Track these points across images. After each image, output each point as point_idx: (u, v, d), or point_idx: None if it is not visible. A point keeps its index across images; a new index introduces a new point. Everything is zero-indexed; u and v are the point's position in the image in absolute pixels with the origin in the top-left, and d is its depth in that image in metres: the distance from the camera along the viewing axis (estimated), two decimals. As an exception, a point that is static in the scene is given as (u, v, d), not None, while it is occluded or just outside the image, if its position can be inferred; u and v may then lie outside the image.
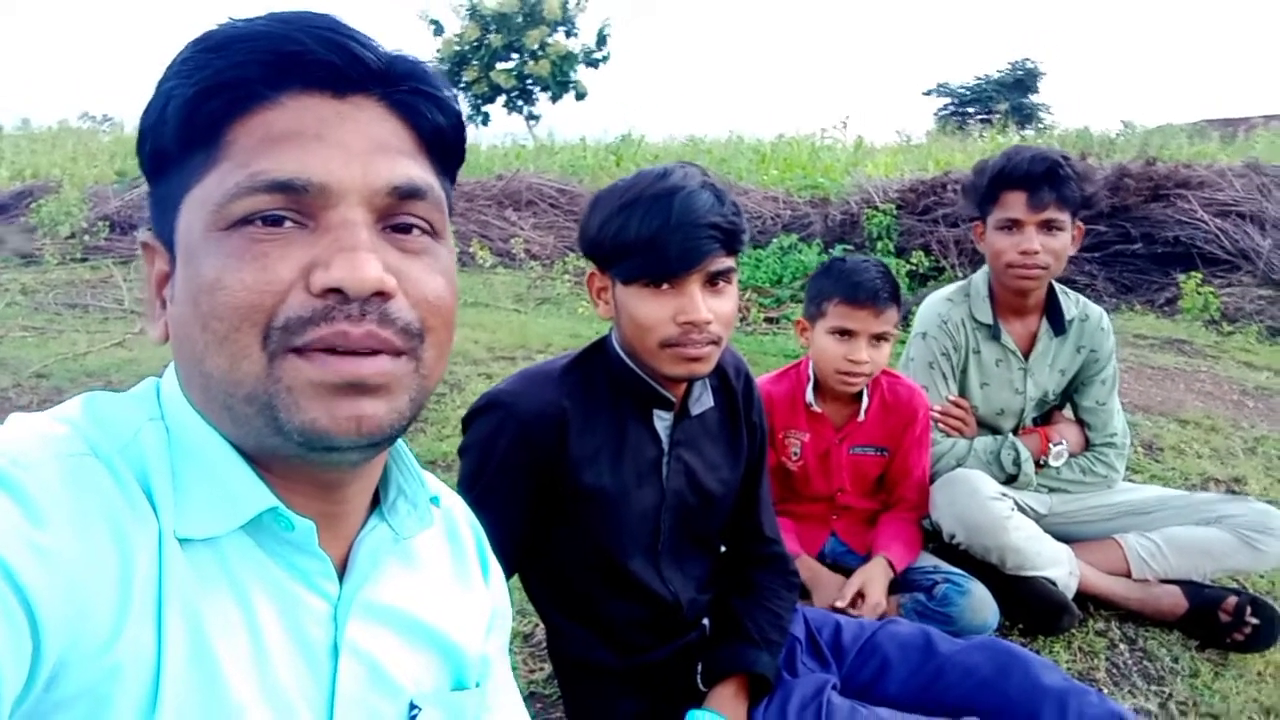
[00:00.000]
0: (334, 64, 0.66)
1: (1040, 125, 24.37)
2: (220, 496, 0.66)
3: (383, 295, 0.64)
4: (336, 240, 0.64)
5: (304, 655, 0.70)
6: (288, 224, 0.64)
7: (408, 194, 0.68)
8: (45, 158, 12.83)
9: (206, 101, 0.64)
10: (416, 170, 0.69)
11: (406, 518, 0.80)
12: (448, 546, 0.90)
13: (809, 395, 2.27)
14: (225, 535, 0.66)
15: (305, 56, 0.65)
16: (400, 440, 0.78)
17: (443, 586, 0.86)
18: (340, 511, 0.75)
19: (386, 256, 0.66)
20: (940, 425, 2.47)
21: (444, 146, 0.74)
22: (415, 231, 0.70)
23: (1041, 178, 2.32)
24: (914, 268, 7.17)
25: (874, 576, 2.12)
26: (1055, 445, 2.52)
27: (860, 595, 2.08)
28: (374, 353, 0.65)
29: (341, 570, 0.75)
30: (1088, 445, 2.58)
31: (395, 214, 0.68)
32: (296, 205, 0.64)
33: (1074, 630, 2.29)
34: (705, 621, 1.65)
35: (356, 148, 0.66)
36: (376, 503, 0.80)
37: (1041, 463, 2.51)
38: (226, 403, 0.65)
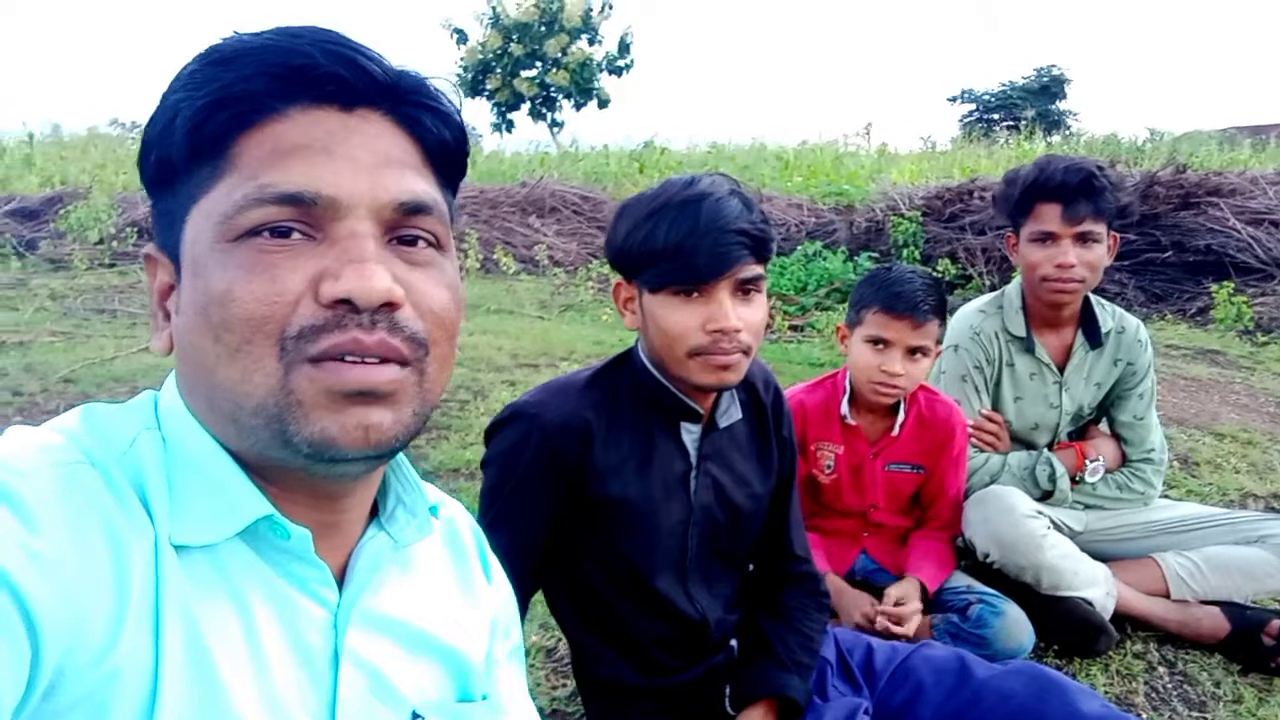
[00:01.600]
0: (341, 77, 0.67)
1: (1067, 132, 24.19)
2: (216, 504, 0.66)
3: (391, 306, 0.65)
4: (345, 252, 0.65)
5: (304, 663, 0.69)
6: (295, 235, 0.65)
7: (414, 209, 0.69)
8: (75, 164, 13.02)
9: (214, 114, 0.65)
10: (422, 185, 0.70)
11: (405, 527, 0.80)
12: (449, 555, 0.90)
13: (844, 407, 2.23)
14: (222, 543, 0.66)
15: (313, 70, 0.66)
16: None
17: (445, 596, 0.86)
18: (339, 521, 0.75)
19: (394, 268, 0.67)
20: (974, 440, 2.41)
21: (448, 160, 0.75)
22: (421, 244, 0.70)
23: (1077, 189, 2.26)
24: (940, 275, 7.09)
25: (909, 594, 2.08)
26: (1091, 461, 2.46)
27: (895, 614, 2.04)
28: (383, 362, 0.65)
29: (340, 580, 0.75)
30: (1124, 461, 2.51)
31: (402, 227, 0.69)
32: (305, 217, 0.65)
33: (1111, 653, 2.23)
34: (733, 642, 1.61)
35: (364, 161, 0.67)
36: (375, 513, 0.80)
37: (1077, 479, 2.45)
38: (234, 414, 0.65)
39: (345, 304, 0.63)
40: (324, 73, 0.66)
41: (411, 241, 0.69)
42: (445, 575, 0.88)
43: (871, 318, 2.10)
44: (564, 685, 2.05)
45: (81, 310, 6.59)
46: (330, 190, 0.64)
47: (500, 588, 0.96)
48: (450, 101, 0.74)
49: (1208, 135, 15.68)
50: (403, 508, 0.80)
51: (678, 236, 1.33)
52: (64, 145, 16.02)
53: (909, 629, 2.00)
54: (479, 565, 0.94)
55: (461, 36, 23.01)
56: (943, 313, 2.10)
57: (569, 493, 1.43)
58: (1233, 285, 6.47)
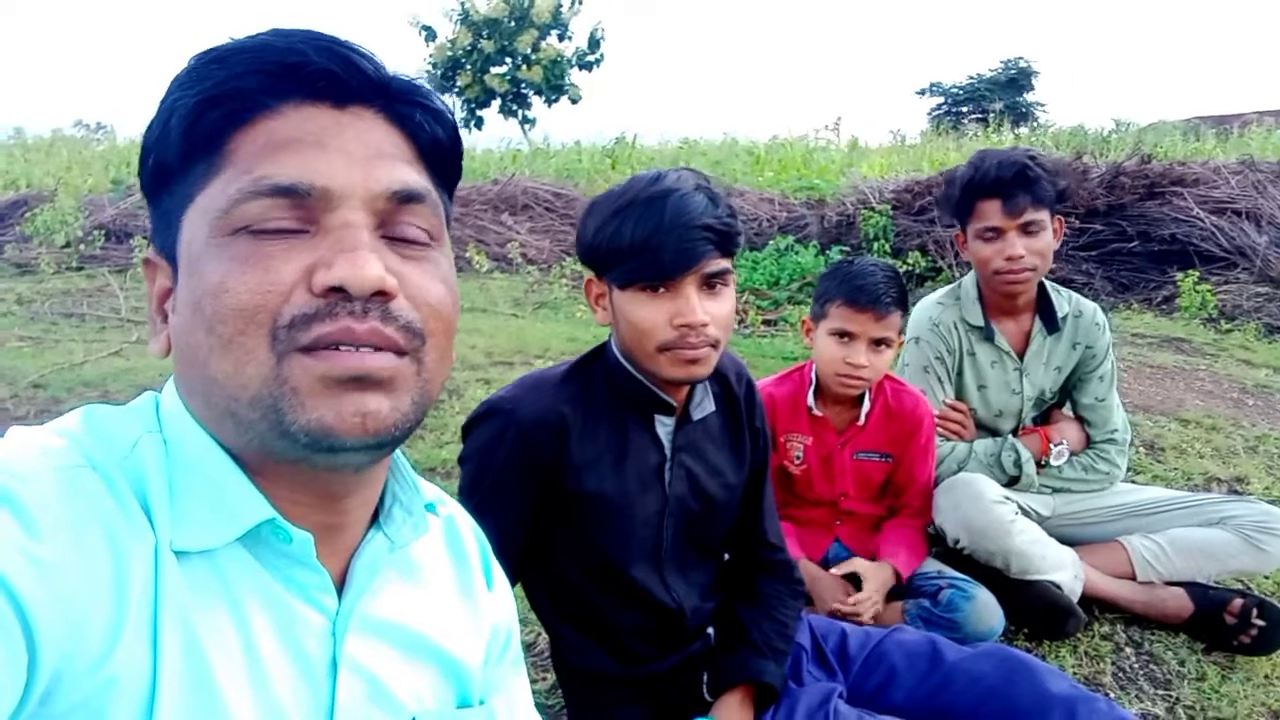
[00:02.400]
0: (334, 74, 0.67)
1: (1035, 124, 24.42)
2: (217, 508, 0.66)
3: (384, 295, 0.65)
4: (338, 241, 0.65)
5: (302, 671, 0.69)
6: (291, 228, 0.65)
7: (407, 198, 0.69)
8: (39, 167, 12.82)
9: (208, 111, 0.65)
10: (415, 176, 0.70)
11: (402, 526, 0.79)
12: (450, 557, 0.89)
13: (810, 399, 2.26)
14: (222, 548, 0.66)
15: (306, 67, 0.66)
16: (397, 448, 0.77)
17: (444, 600, 0.85)
18: (341, 523, 0.74)
19: (387, 260, 0.67)
20: (940, 429, 2.45)
21: (441, 159, 0.75)
22: (416, 237, 0.70)
23: (1013, 182, 2.31)
24: (910, 268, 7.17)
25: (873, 574, 2.12)
26: (1056, 445, 2.51)
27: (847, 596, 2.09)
28: (378, 350, 0.65)
29: (341, 584, 0.75)
30: (1089, 443, 2.56)
31: (395, 221, 0.69)
32: (299, 209, 0.65)
33: (1079, 634, 2.28)
34: (710, 630, 1.63)
35: (357, 154, 0.67)
36: (376, 518, 0.80)
37: (1043, 463, 2.50)
38: (230, 408, 0.64)
39: (338, 292, 0.63)
40: (316, 69, 0.66)
41: (406, 235, 0.70)
42: (445, 578, 0.87)
43: (835, 311, 2.13)
44: (544, 679, 2.07)
45: (49, 314, 6.51)
46: (323, 181, 0.65)
47: (502, 595, 0.96)
48: (444, 103, 0.75)
49: (1172, 126, 15.88)
50: (399, 506, 0.80)
51: (643, 233, 1.35)
52: (27, 148, 15.78)
53: (865, 617, 2.05)
54: (481, 571, 0.93)
55: (430, 33, 22.87)
56: (904, 304, 2.14)
57: (545, 486, 1.44)
58: (1197, 274, 6.56)
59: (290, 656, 0.69)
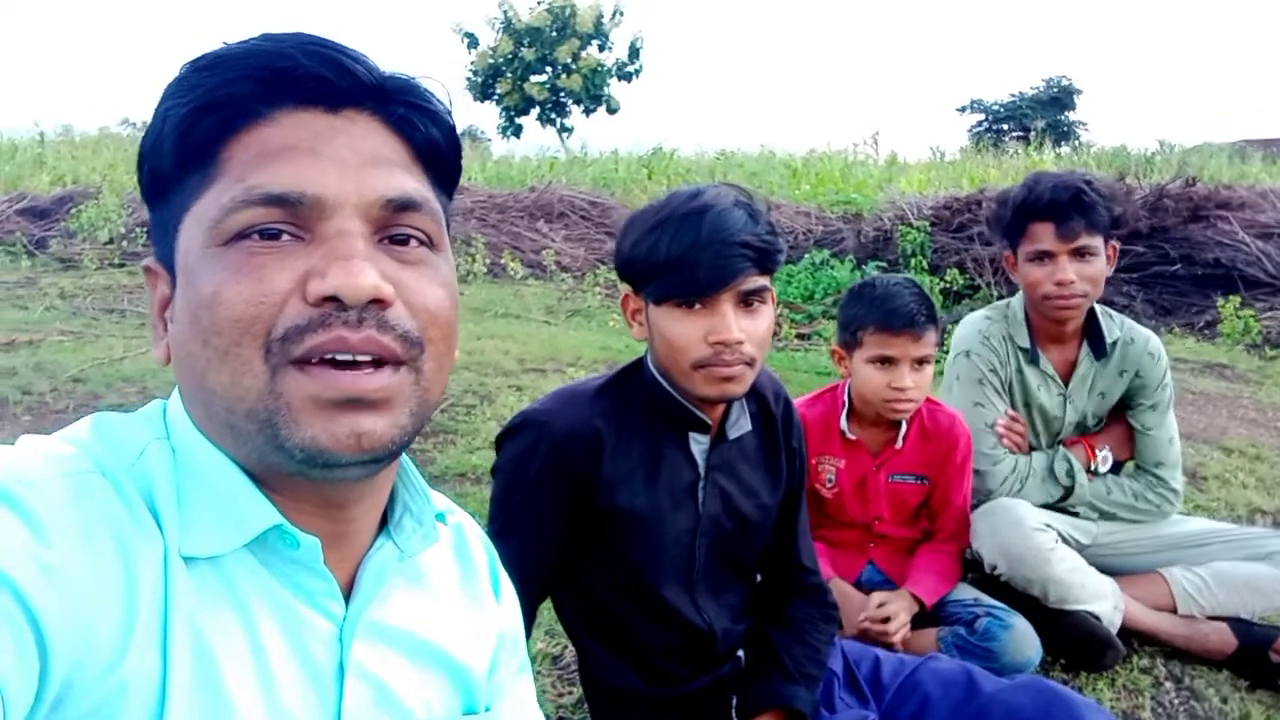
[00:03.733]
0: (326, 79, 0.67)
1: (1076, 143, 24.17)
2: (225, 514, 0.66)
3: (380, 303, 0.64)
4: (332, 250, 0.64)
5: (309, 677, 0.69)
6: (285, 237, 0.64)
7: (402, 206, 0.68)
8: (86, 164, 13.07)
9: (201, 119, 0.65)
10: (411, 183, 0.70)
11: (412, 535, 0.79)
12: (457, 565, 0.89)
13: (843, 422, 2.23)
14: (230, 554, 0.66)
15: (297, 72, 0.66)
16: (405, 457, 0.77)
17: (451, 606, 0.85)
18: (347, 531, 0.74)
19: (384, 266, 0.66)
20: (1004, 442, 2.41)
21: (439, 160, 0.74)
22: (413, 243, 0.70)
23: (1067, 206, 2.26)
24: (948, 285, 7.11)
25: (893, 604, 2.08)
26: (1100, 451, 2.46)
27: (884, 620, 2.05)
28: (375, 364, 0.64)
29: (348, 591, 0.75)
30: (1133, 453, 2.51)
31: (392, 226, 0.68)
32: (292, 218, 0.64)
33: (1118, 667, 2.22)
34: (740, 653, 1.61)
35: (350, 160, 0.67)
36: (385, 523, 0.80)
37: (1092, 469, 2.45)
38: (228, 420, 0.65)
39: (333, 301, 0.63)
40: (307, 74, 0.66)
41: (403, 240, 0.69)
42: (452, 585, 0.87)
43: (870, 338, 2.10)
44: (570, 692, 2.05)
45: (91, 310, 6.62)
46: (316, 189, 0.64)
47: (509, 607, 0.96)
48: (439, 101, 0.74)
49: (1218, 148, 15.65)
50: (409, 516, 0.80)
51: (680, 249, 1.34)
52: (75, 145, 16.08)
53: (896, 640, 2.01)
54: (489, 581, 0.93)
55: (472, 40, 23.10)
56: (936, 319, 2.11)
57: (578, 501, 1.43)
58: (1240, 299, 6.46)
59: (298, 662, 0.68)
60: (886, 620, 2.04)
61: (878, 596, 2.11)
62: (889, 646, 1.97)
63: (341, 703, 0.70)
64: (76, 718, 0.55)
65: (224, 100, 0.65)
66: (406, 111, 0.71)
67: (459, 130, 0.78)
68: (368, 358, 0.64)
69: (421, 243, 0.70)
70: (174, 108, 0.65)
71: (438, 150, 0.74)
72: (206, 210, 0.65)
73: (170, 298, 0.69)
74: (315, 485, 0.68)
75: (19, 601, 0.52)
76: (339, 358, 0.63)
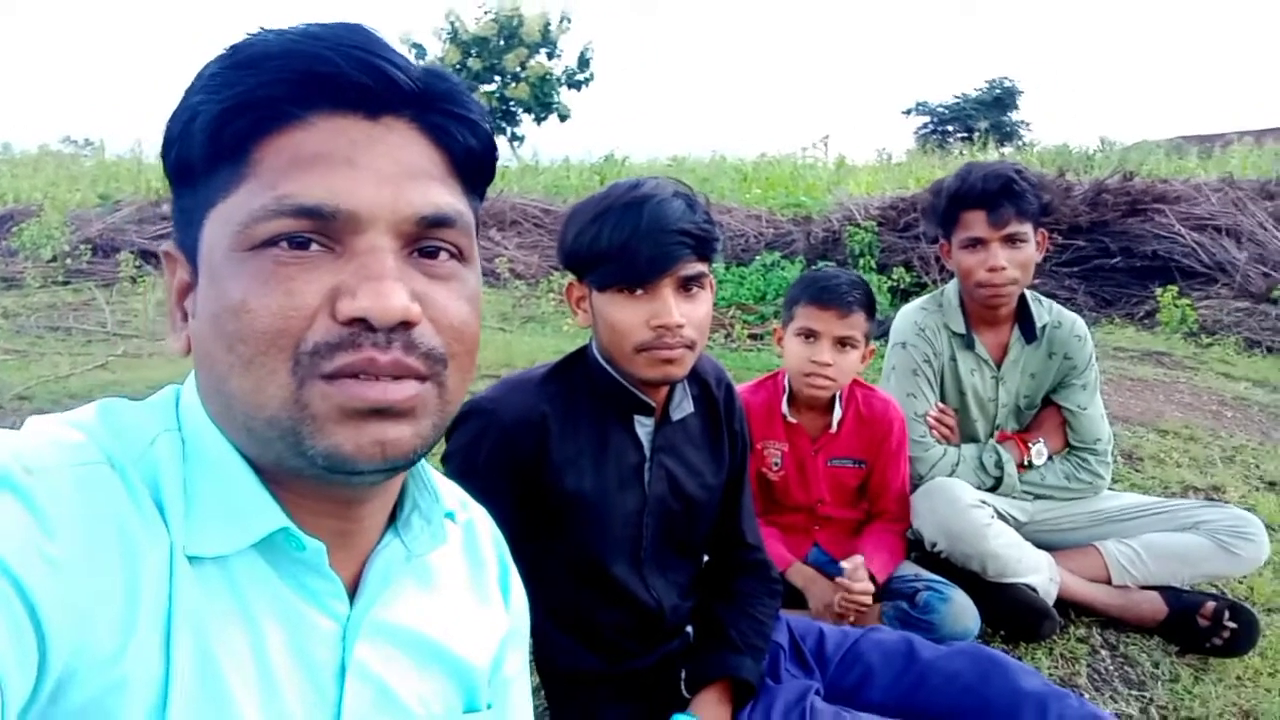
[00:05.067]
0: (366, 85, 0.65)
1: (1020, 143, 24.63)
2: (231, 514, 0.66)
3: (407, 324, 0.64)
4: (363, 267, 0.63)
5: (309, 677, 0.69)
6: (314, 247, 0.63)
7: (436, 223, 0.67)
8: (27, 181, 12.79)
9: (235, 119, 0.63)
10: (446, 197, 0.68)
11: (420, 534, 0.79)
12: (466, 563, 0.89)
13: (784, 406, 2.29)
14: (234, 553, 0.66)
15: (337, 78, 0.64)
16: None
17: (457, 603, 0.85)
18: (356, 529, 0.74)
19: (413, 282, 0.65)
20: (934, 433, 2.49)
21: (475, 168, 0.73)
22: (443, 255, 0.68)
23: (998, 194, 2.34)
24: (895, 283, 7.23)
25: (860, 567, 2.12)
26: (1034, 445, 2.54)
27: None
28: (399, 378, 0.64)
29: (354, 588, 0.75)
30: (1069, 447, 2.59)
31: (423, 239, 0.67)
32: (323, 230, 0.63)
33: (1055, 637, 2.31)
34: (689, 629, 1.65)
35: (386, 172, 0.65)
36: (393, 518, 0.79)
37: (1025, 463, 2.53)
38: (248, 424, 0.64)
39: (361, 321, 0.62)
40: (349, 80, 0.64)
41: (433, 253, 0.68)
42: (459, 583, 0.87)
43: (800, 311, 2.18)
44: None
45: (35, 328, 6.50)
46: (350, 204, 0.63)
47: (517, 605, 0.96)
48: (478, 108, 0.71)
49: (1156, 145, 16.01)
50: (419, 514, 0.79)
51: (621, 237, 1.39)
52: (15, 163, 15.74)
53: (867, 600, 2.05)
54: (497, 579, 0.93)
55: (420, 51, 22.90)
56: (870, 310, 2.17)
57: (527, 485, 1.47)
58: (1177, 289, 6.63)
59: (299, 663, 0.68)
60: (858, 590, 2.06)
61: (854, 559, 2.13)
62: (855, 623, 2.02)
63: (341, 703, 0.70)
64: (76, 710, 0.55)
65: (259, 101, 0.63)
66: (446, 121, 0.69)
67: None
68: (391, 377, 0.64)
69: (451, 255, 0.69)
70: (206, 103, 0.63)
71: (475, 158, 0.72)
72: (235, 212, 0.63)
73: (189, 285, 0.68)
74: (328, 488, 0.68)
75: (18, 591, 0.52)
76: (362, 376, 0.63)
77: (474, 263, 0.72)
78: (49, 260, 8.80)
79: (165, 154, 0.68)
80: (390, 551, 0.77)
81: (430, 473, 0.82)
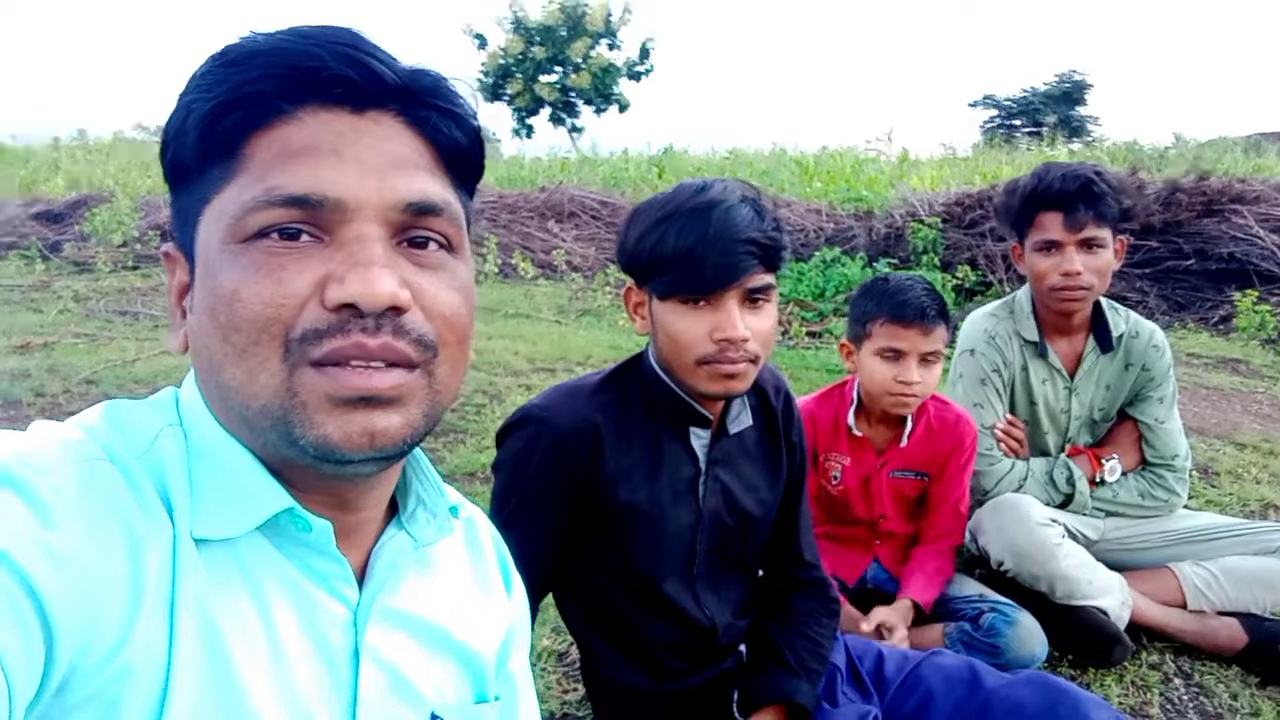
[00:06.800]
0: (352, 80, 0.66)
1: (1089, 138, 24.03)
2: (237, 498, 0.67)
3: (397, 310, 0.65)
4: (351, 255, 0.64)
5: (324, 659, 0.70)
6: (304, 238, 0.65)
7: (422, 210, 0.68)
8: (100, 168, 13.19)
9: (224, 115, 0.65)
10: (433, 186, 0.69)
11: (426, 526, 0.80)
12: (468, 555, 0.91)
13: (850, 418, 2.22)
14: (242, 537, 0.67)
15: (323, 72, 0.65)
16: (419, 450, 0.78)
17: (463, 595, 0.86)
18: (356, 521, 0.75)
19: (402, 271, 0.67)
20: (1001, 446, 2.40)
21: (462, 162, 0.74)
22: (432, 246, 0.70)
23: (1076, 196, 2.25)
24: (960, 282, 7.08)
25: (894, 620, 2.05)
26: (1108, 461, 2.44)
27: (882, 631, 2.02)
28: (389, 366, 0.65)
29: (360, 578, 0.76)
30: (1144, 463, 2.48)
31: (412, 229, 0.69)
32: (312, 219, 0.65)
33: (1126, 663, 2.21)
34: (742, 648, 1.61)
35: (373, 163, 0.66)
36: (394, 513, 0.81)
37: (1098, 480, 2.43)
38: (243, 414, 0.65)
39: (350, 308, 0.63)
40: (334, 75, 0.65)
41: (422, 243, 0.69)
42: (464, 575, 0.88)
43: (879, 330, 2.09)
44: (575, 689, 2.05)
45: (104, 312, 6.67)
46: (337, 192, 0.64)
47: (518, 600, 0.97)
48: (465, 102, 0.73)
49: (1233, 141, 15.51)
50: (423, 507, 0.81)
51: (686, 244, 1.32)
52: (89, 149, 16.22)
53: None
54: (499, 574, 0.94)
55: (482, 41, 23.13)
56: (947, 317, 2.10)
57: (578, 495, 1.43)
58: (1256, 294, 6.40)
59: (312, 643, 0.69)
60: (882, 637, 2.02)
61: (875, 615, 2.07)
62: (915, 645, 1.95)
63: (357, 687, 0.71)
64: (81, 701, 0.56)
65: (248, 97, 0.65)
66: (431, 114, 0.70)
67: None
68: (381, 363, 0.65)
69: (441, 245, 0.70)
70: (197, 101, 0.65)
71: (461, 152, 0.73)
72: (227, 206, 0.65)
73: (188, 285, 0.70)
74: (324, 479, 0.69)
75: (23, 585, 0.52)
76: (353, 362, 0.64)
77: (465, 255, 0.74)
78: (119, 245, 9.05)
79: (163, 155, 0.70)
80: (396, 543, 0.79)
81: (431, 467, 0.83)
